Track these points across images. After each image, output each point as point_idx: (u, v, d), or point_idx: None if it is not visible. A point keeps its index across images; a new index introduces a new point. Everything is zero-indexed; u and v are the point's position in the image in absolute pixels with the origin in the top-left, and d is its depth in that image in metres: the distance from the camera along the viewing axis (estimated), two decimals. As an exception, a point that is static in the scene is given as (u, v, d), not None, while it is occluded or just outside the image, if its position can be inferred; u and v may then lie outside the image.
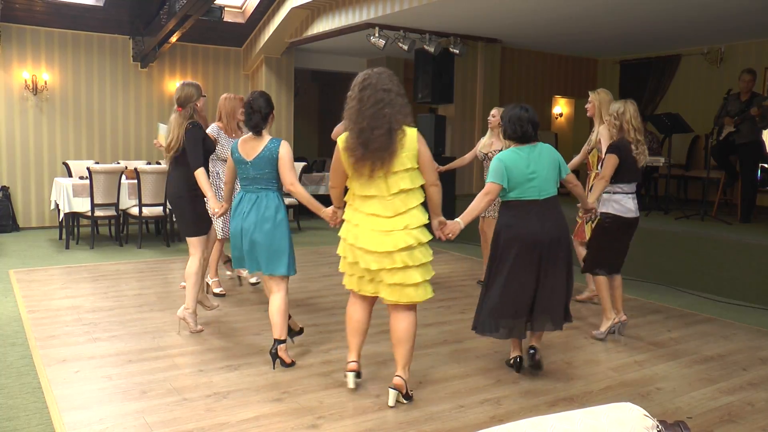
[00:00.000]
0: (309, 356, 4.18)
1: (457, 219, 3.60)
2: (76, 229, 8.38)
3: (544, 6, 7.41)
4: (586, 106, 5.43)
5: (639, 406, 1.35)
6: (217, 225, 5.52)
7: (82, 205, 7.84)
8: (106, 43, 9.74)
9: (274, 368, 3.94)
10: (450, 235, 3.53)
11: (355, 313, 3.60)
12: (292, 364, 3.99)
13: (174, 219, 5.02)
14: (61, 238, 8.39)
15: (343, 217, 3.53)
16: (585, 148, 5.65)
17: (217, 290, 5.69)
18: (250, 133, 3.97)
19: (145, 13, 9.27)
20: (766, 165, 7.99)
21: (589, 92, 5.40)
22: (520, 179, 3.71)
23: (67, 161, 9.02)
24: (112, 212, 7.97)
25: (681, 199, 9.36)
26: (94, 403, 3.41)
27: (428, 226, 3.42)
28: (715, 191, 8.25)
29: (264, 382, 3.75)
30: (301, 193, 3.93)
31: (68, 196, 7.79)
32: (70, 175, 8.64)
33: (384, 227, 3.30)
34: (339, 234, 3.52)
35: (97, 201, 7.74)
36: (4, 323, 4.81)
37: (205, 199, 4.57)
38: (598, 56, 11.62)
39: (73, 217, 8.14)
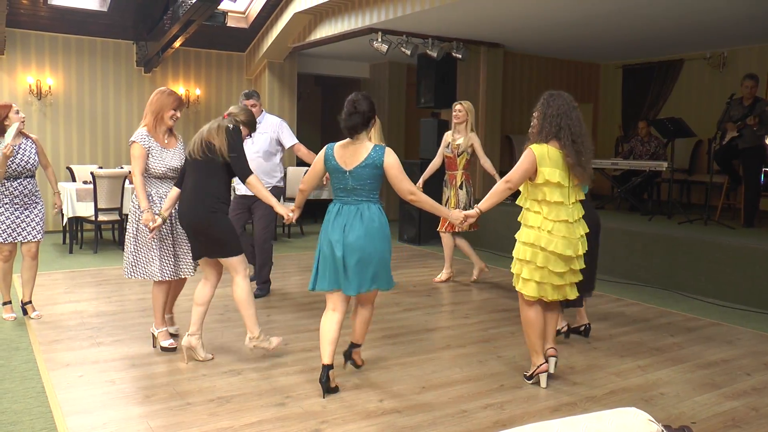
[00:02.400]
0: (311, 361, 4.17)
1: None
2: (79, 234, 8.40)
3: (546, 11, 7.42)
4: (457, 114, 6.31)
5: (643, 411, 1.35)
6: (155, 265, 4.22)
7: (86, 210, 7.86)
8: (110, 48, 9.78)
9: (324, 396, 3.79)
10: None
11: (537, 316, 3.83)
12: (362, 365, 4.05)
13: (194, 243, 4.10)
14: (64, 242, 8.41)
15: (529, 223, 3.68)
16: (445, 151, 6.46)
17: (165, 343, 4.31)
18: (347, 138, 3.65)
19: (148, 18, 9.31)
20: (769, 169, 7.99)
21: (461, 102, 6.36)
22: None
23: (71, 166, 9.04)
24: (115, 217, 7.99)
25: (684, 204, 9.34)
26: (98, 408, 3.41)
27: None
28: (718, 196, 8.24)
29: (267, 386, 3.75)
30: (426, 201, 3.72)
31: (72, 201, 7.81)
32: (74, 180, 8.66)
33: (570, 233, 3.65)
34: (522, 239, 3.70)
35: (100, 205, 7.76)
36: (8, 327, 4.82)
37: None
38: (601, 61, 11.63)
39: (77, 221, 8.16)
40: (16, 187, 4.81)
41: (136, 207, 4.21)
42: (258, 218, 5.75)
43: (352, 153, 3.58)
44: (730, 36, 8.75)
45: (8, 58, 9.10)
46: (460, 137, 6.33)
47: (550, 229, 3.62)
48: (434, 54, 8.80)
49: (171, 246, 4.28)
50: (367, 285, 3.57)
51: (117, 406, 3.45)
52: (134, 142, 4.18)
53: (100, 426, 3.20)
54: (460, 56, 9.09)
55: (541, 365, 3.84)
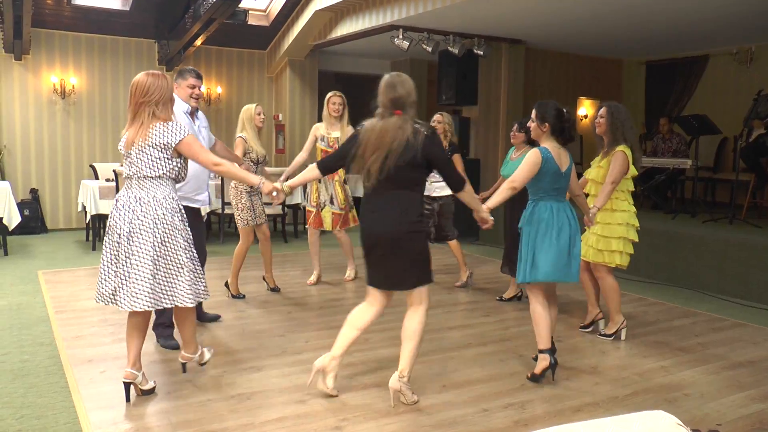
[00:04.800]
0: (332, 358, 4.17)
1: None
2: (102, 231, 8.49)
3: (568, 6, 7.34)
4: (338, 108, 6.24)
5: (671, 414, 1.31)
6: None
7: (109, 207, 7.90)
8: (132, 46, 9.87)
9: (554, 379, 3.85)
10: None
11: (616, 281, 4.68)
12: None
13: (382, 268, 3.48)
14: (87, 239, 8.51)
15: (623, 208, 4.54)
16: (320, 145, 6.15)
17: (151, 384, 3.59)
18: (554, 143, 3.85)
19: (170, 17, 9.37)
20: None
21: (340, 96, 6.32)
22: None
23: (94, 164, 9.14)
24: (137, 214, 8.05)
25: (709, 202, 9.20)
26: (120, 403, 3.44)
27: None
28: (744, 194, 8.10)
29: (287, 383, 3.75)
30: (585, 200, 4.33)
31: (95, 198, 7.90)
32: (97, 178, 8.75)
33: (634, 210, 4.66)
34: (618, 221, 4.52)
35: (123, 203, 7.81)
36: (32, 323, 4.88)
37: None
38: (624, 57, 11.49)
39: (100, 218, 8.24)
40: None
41: (172, 217, 3.35)
42: (200, 232, 4.44)
43: (563, 157, 3.89)
44: (758, 30, 8.57)
45: (33, 58, 9.22)
46: (336, 131, 6.04)
47: (634, 211, 4.60)
48: (455, 51, 8.75)
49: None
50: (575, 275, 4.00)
51: (138, 402, 3.47)
52: (189, 134, 3.39)
53: (122, 421, 3.23)
54: (481, 53, 9.03)
55: (623, 321, 4.69)
